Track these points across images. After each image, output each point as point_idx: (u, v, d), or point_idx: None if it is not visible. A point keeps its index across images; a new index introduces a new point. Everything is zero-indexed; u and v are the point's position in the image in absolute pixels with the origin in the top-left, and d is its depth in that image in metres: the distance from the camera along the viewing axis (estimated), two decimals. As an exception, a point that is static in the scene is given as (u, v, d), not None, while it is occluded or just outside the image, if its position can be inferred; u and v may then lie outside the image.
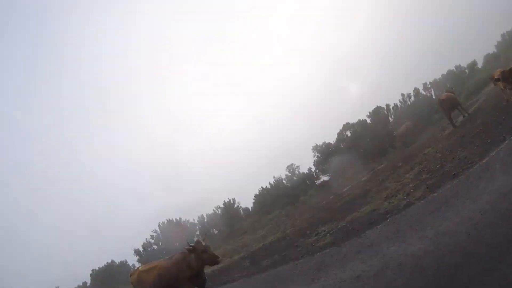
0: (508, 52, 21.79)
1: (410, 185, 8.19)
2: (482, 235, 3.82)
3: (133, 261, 31.37)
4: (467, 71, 25.97)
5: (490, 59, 24.53)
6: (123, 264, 33.26)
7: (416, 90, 25.77)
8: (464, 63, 26.24)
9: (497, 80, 7.91)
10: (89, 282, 36.03)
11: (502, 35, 25.70)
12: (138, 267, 7.93)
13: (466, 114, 13.46)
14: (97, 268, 34.68)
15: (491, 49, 25.68)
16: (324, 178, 27.66)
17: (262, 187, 29.33)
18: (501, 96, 10.86)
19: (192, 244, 6.79)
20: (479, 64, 25.26)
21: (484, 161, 6.33)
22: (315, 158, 28.01)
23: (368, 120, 26.29)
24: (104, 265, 34.23)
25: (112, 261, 34.22)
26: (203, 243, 6.80)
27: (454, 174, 6.78)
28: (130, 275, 7.71)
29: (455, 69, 26.55)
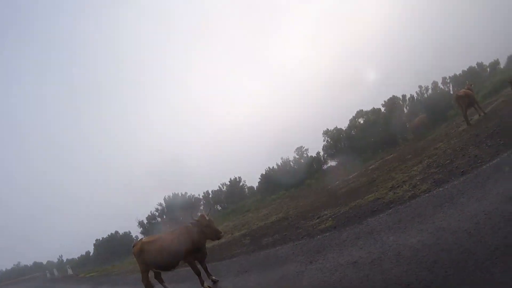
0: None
1: (417, 178, 8.15)
2: (482, 235, 3.82)
3: (136, 232, 32.12)
4: (488, 69, 25.44)
5: None
6: (127, 235, 34.12)
7: (434, 84, 25.34)
8: (487, 61, 25.68)
9: None
10: (92, 251, 37.04)
11: (527, 40, 25.00)
12: (141, 239, 8.10)
13: (482, 113, 13.25)
14: (100, 239, 35.58)
15: None
16: (332, 163, 27.71)
17: (269, 167, 29.50)
18: None
19: (196, 218, 6.90)
20: (502, 64, 24.66)
21: (494, 162, 6.26)
22: (325, 142, 28.01)
23: (383, 109, 26.07)
24: (108, 235, 35.09)
25: (116, 232, 35.04)
26: (207, 218, 6.90)
27: (462, 171, 6.73)
28: (133, 246, 7.91)
29: (476, 67, 26.01)
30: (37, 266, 50.75)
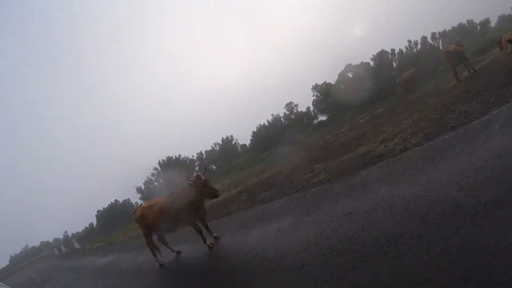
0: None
1: (408, 131, 8.28)
2: (473, 189, 3.95)
3: (135, 198, 32.55)
4: (478, 27, 25.30)
5: (504, 20, 23.74)
6: (127, 202, 34.64)
7: (423, 39, 25.24)
8: (477, 19, 25.42)
9: (510, 41, 7.52)
10: (95, 223, 37.55)
11: (522, -1, 24.57)
12: (141, 204, 8.28)
13: (472, 70, 13.31)
14: (101, 209, 36.02)
15: (507, 10, 24.80)
16: (322, 118, 27.92)
17: (260, 125, 29.63)
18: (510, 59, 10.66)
19: (192, 179, 6.99)
20: (492, 23, 24.44)
21: (484, 118, 6.34)
22: (314, 97, 28.07)
23: (371, 63, 25.92)
24: (108, 205, 35.52)
25: (116, 201, 35.49)
26: (203, 178, 6.98)
27: (452, 126, 6.83)
28: (134, 212, 8.10)
29: (466, 24, 25.90)
30: (44, 245, 51.58)
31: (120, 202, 35.67)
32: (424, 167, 5.44)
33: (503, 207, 3.39)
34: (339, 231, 4.78)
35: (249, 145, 31.16)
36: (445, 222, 3.63)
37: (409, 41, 25.34)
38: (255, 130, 30.27)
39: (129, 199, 35.22)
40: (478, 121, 6.39)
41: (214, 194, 7.04)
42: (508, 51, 11.94)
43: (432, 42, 25.55)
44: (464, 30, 25.57)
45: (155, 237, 8.26)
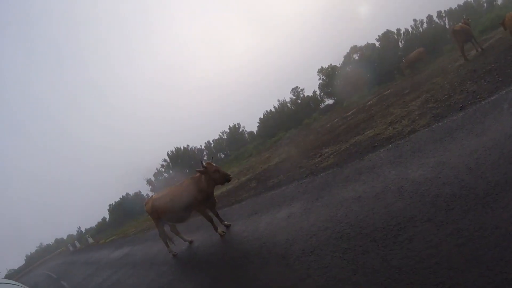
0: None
1: (416, 113, 8.22)
2: (482, 170, 3.92)
3: (146, 190, 33.00)
4: (485, 5, 24.73)
5: None
6: (138, 195, 35.15)
7: (429, 17, 24.74)
8: None
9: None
10: (108, 217, 38.14)
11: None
12: (152, 196, 8.37)
13: (479, 49, 13.07)
14: (113, 203, 36.54)
15: None
16: (329, 101, 27.76)
17: (266, 111, 29.61)
18: None
19: (204, 164, 7.04)
20: (499, 1, 23.86)
21: (492, 98, 6.24)
22: (320, 81, 27.88)
23: (377, 44, 25.60)
24: (120, 198, 36.01)
25: (127, 194, 35.95)
26: (213, 164, 7.03)
27: (461, 107, 6.77)
28: (145, 204, 8.18)
29: (473, 2, 25.24)
30: (59, 242, 52.67)
31: (131, 195, 36.19)
32: (433, 148, 5.42)
33: (513, 188, 3.37)
34: (349, 215, 4.81)
35: (256, 132, 31.19)
36: (455, 204, 3.62)
37: (415, 20, 24.91)
38: (262, 117, 30.25)
39: (140, 192, 35.77)
40: (486, 101, 6.31)
41: (227, 178, 7.09)
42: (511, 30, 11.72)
43: (438, 21, 25.09)
44: (471, 8, 25.03)
45: (167, 228, 8.38)
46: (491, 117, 5.40)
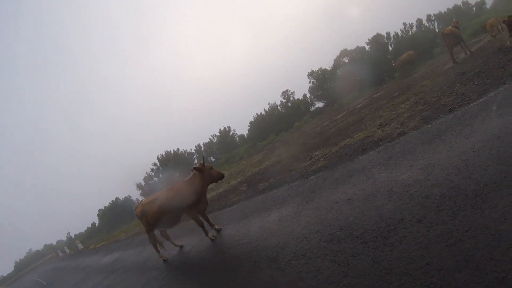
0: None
1: (405, 115, 8.30)
2: (471, 171, 3.97)
3: (136, 195, 32.67)
4: (474, 9, 25.11)
5: (500, 0, 23.50)
6: (127, 199, 34.78)
7: (419, 21, 25.06)
8: (473, 0, 25.38)
9: (510, 21, 7.35)
10: (97, 222, 37.72)
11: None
12: (141, 200, 8.30)
13: (468, 52, 13.27)
14: (103, 208, 36.16)
15: None
16: (319, 104, 27.89)
17: (257, 114, 29.62)
18: (507, 40, 10.64)
19: (201, 162, 7.06)
20: (488, 4, 24.35)
21: (481, 100, 6.35)
22: (311, 84, 27.98)
23: (367, 48, 25.82)
24: (109, 203, 35.64)
25: (117, 198, 35.59)
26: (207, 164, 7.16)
27: (449, 109, 6.85)
28: (135, 209, 8.10)
29: (462, 5, 25.69)
30: (48, 248, 51.80)
31: (121, 199, 35.76)
32: (422, 150, 5.46)
33: (502, 189, 3.40)
34: (340, 217, 4.80)
35: (247, 135, 31.18)
36: (445, 206, 3.65)
37: (405, 24, 25.15)
38: (252, 120, 30.26)
39: (130, 196, 35.34)
40: (475, 103, 6.39)
41: (222, 175, 7.29)
42: (492, 34, 11.98)
43: (427, 25, 25.40)
44: (460, 11, 25.42)
45: (157, 232, 8.30)
46: (480, 118, 5.46)
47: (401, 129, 7.33)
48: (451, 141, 5.18)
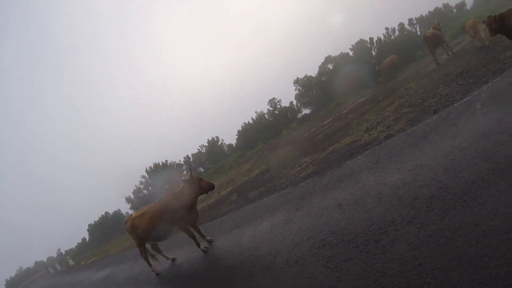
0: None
1: (391, 118, 8.40)
2: (458, 170, 4.03)
3: (126, 209, 32.29)
4: (455, 10, 25.75)
5: (480, 1, 24.29)
6: (117, 213, 34.32)
7: (401, 25, 25.58)
8: (453, 2, 26.05)
9: (489, 21, 7.57)
10: (88, 237, 37.09)
11: (500, -18, 25.15)
12: (131, 214, 8.16)
13: (450, 53, 13.60)
14: (92, 223, 35.60)
15: None
16: (306, 111, 28.09)
17: (244, 123, 29.65)
18: (486, 40, 10.91)
19: (189, 174, 7.03)
20: (468, 6, 25.01)
21: (465, 100, 6.47)
22: (297, 91, 28.21)
23: (351, 53, 26.15)
24: (99, 218, 35.12)
25: (106, 213, 35.07)
26: (197, 174, 7.10)
27: (434, 110, 6.95)
28: (125, 223, 7.96)
29: (442, 8, 26.35)
30: (39, 264, 50.82)
31: (111, 213, 35.31)
32: (409, 152, 5.51)
33: (490, 186, 3.45)
34: (331, 223, 4.79)
35: (235, 144, 31.12)
36: (434, 206, 3.67)
37: (387, 29, 25.66)
38: (240, 129, 30.26)
39: (119, 210, 34.95)
40: (459, 103, 6.51)
41: (211, 185, 7.22)
42: (472, 35, 12.32)
43: (409, 28, 25.94)
44: (440, 14, 26.04)
45: (148, 246, 8.17)
46: (464, 118, 5.56)
47: (387, 132, 7.40)
48: (437, 142, 5.24)
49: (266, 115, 29.60)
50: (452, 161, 4.34)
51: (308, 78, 27.71)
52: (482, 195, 3.38)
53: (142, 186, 30.89)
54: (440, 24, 15.18)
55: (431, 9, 26.81)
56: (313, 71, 28.09)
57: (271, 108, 29.50)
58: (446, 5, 26.81)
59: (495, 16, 7.07)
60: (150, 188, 30.21)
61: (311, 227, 5.09)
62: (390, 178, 4.97)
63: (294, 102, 28.67)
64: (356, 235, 4.08)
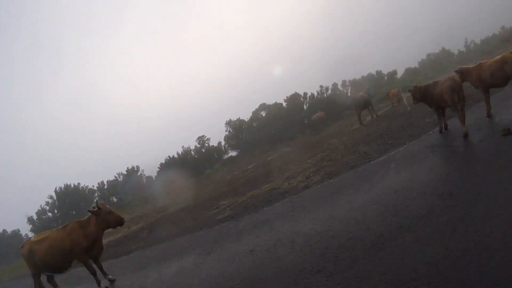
0: (429, 71, 24.30)
1: (311, 170, 8.70)
2: (369, 223, 4.21)
3: (26, 230, 28.41)
4: (386, 77, 28.38)
5: (410, 72, 27.30)
6: (16, 234, 29.94)
7: (334, 85, 27.61)
8: (386, 70, 28.79)
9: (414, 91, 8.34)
10: None
11: (428, 55, 29.62)
12: (30, 238, 7.15)
13: (375, 115, 14.77)
14: None
15: (414, 64, 29.28)
16: (233, 153, 28.23)
17: (169, 156, 28.84)
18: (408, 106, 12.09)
19: (98, 205, 6.32)
20: (399, 75, 27.86)
21: (381, 158, 6.95)
22: (227, 132, 28.40)
23: (284, 104, 27.34)
24: None
25: (4, 231, 30.55)
26: (107, 205, 6.40)
27: (352, 166, 7.35)
28: (22, 247, 6.92)
29: (375, 74, 28.92)
30: None
31: (9, 232, 30.80)
32: (324, 204, 5.68)
33: (397, 238, 3.62)
34: (241, 269, 4.64)
35: (155, 177, 29.86)
36: (343, 255, 3.74)
37: (321, 86, 27.40)
38: (163, 162, 29.29)
39: (18, 230, 30.54)
40: (376, 161, 6.97)
41: (120, 221, 6.46)
42: (394, 101, 13.66)
43: (342, 89, 27.99)
44: (373, 79, 28.54)
45: (44, 278, 7.16)
46: (379, 175, 5.91)
47: (306, 182, 7.62)
48: (352, 196, 5.47)
49: (192, 152, 29.17)
50: (363, 214, 4.52)
51: (240, 122, 28.19)
52: (389, 246, 3.52)
53: (47, 207, 27.76)
54: (369, 89, 16.57)
55: (365, 74, 29.44)
56: (246, 116, 28.65)
57: (198, 145, 29.22)
58: (379, 72, 29.51)
59: (421, 86, 7.79)
60: (56, 211, 27.30)
61: (221, 273, 4.85)
62: (304, 228, 5.02)
63: (223, 143, 28.78)
64: (265, 283, 3.96)
